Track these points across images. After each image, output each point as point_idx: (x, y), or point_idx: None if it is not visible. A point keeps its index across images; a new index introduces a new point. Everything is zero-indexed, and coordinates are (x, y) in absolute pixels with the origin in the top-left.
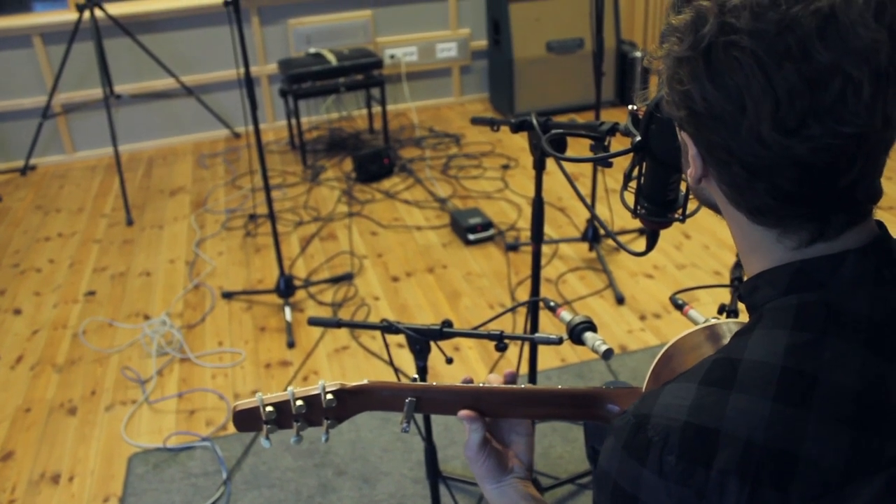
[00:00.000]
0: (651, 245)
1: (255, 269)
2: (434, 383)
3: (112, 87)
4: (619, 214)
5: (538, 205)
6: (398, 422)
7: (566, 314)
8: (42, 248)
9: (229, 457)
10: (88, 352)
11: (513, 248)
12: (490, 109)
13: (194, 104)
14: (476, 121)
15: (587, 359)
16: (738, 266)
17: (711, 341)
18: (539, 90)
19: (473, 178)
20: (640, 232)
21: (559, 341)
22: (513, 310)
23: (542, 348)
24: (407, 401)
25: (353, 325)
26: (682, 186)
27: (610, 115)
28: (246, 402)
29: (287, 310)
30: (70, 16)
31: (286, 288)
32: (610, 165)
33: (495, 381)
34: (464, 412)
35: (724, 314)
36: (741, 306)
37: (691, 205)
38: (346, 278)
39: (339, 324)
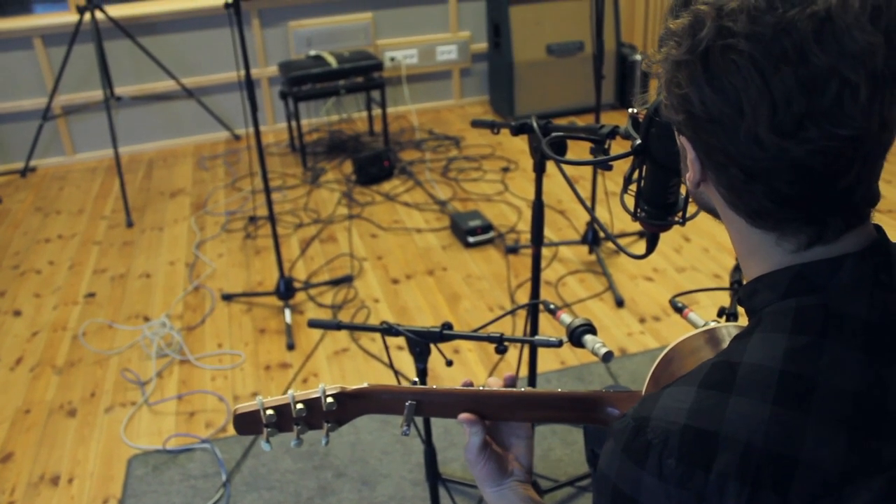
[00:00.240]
0: (651, 248)
1: (255, 271)
2: (434, 386)
3: (112, 88)
4: (618, 217)
5: (538, 207)
6: (398, 424)
7: (566, 317)
8: (42, 250)
9: (229, 459)
10: (88, 353)
11: (512, 250)
12: (490, 112)
13: (194, 106)
14: (476, 123)
15: (587, 361)
16: (737, 269)
17: (711, 345)
18: (539, 93)
19: (473, 181)
20: (640, 235)
21: (559, 344)
22: (513, 312)
23: (541, 351)
24: (407, 404)
25: (352, 328)
26: (682, 190)
27: (610, 119)
28: (246, 406)
29: (287, 312)
30: (70, 17)
31: (286, 290)
32: (610, 168)
33: (495, 384)
34: (464, 415)
35: (724, 317)
36: (740, 310)
37: (691, 208)
38: (346, 280)
39: (338, 326)
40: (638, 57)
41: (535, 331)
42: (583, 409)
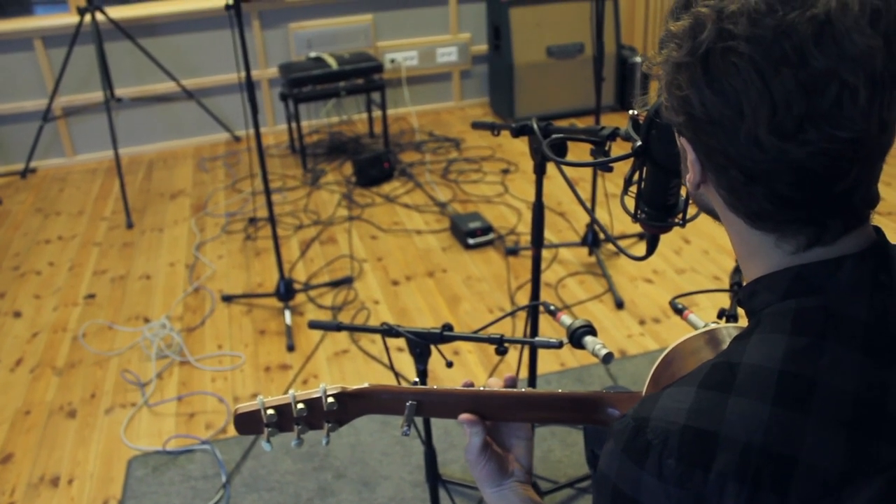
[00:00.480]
0: (651, 249)
1: (255, 272)
2: (435, 387)
3: (113, 90)
4: (618, 219)
5: (538, 209)
6: (398, 425)
7: (566, 318)
8: (42, 251)
9: (229, 460)
10: (88, 355)
11: (512, 252)
12: (490, 114)
13: (195, 108)
14: (477, 125)
15: (587, 363)
16: (737, 271)
17: (711, 346)
18: (539, 95)
19: (473, 183)
20: (640, 236)
21: (559, 345)
22: (513, 314)
23: (541, 352)
24: (408, 404)
25: (353, 329)
26: (683, 191)
27: (610, 121)
28: (247, 405)
29: (287, 313)
30: (71, 19)
31: (286, 291)
32: (610, 170)
33: (496, 385)
34: (464, 416)
35: (724, 319)
36: (740, 311)
37: (691, 209)
38: (346, 282)
39: (339, 327)
40: (638, 59)
41: (535, 332)
42: (583, 410)
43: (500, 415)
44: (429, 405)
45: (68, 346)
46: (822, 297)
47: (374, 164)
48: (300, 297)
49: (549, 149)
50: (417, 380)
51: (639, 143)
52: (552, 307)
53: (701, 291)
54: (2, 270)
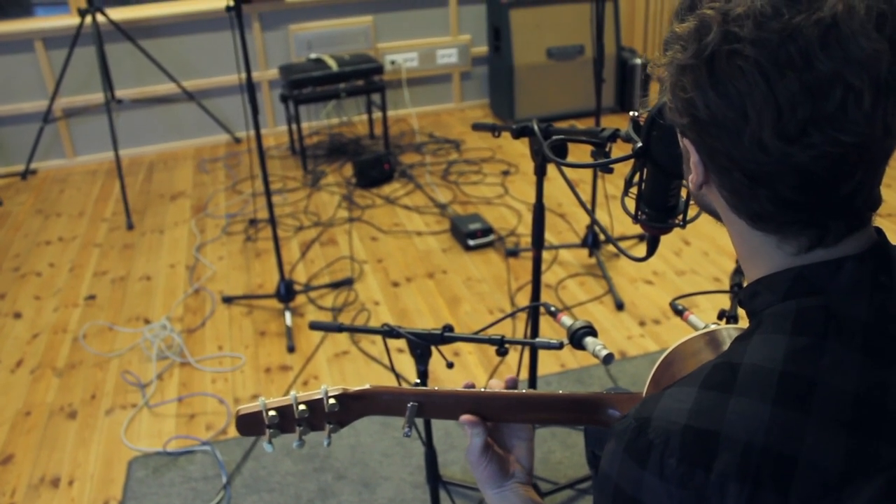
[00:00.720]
0: (651, 250)
1: (256, 273)
2: (436, 388)
3: (113, 91)
4: (619, 220)
5: (539, 210)
6: (398, 427)
7: (567, 319)
8: (42, 252)
9: (229, 461)
10: (88, 356)
11: (513, 253)
12: (490, 115)
13: (195, 109)
14: (477, 126)
15: (587, 364)
16: (737, 272)
17: (711, 347)
18: (539, 97)
19: (473, 184)
20: (641, 238)
21: (560, 346)
22: (513, 315)
23: (542, 354)
24: (409, 405)
25: (353, 330)
26: (683, 192)
27: (610, 122)
28: (249, 407)
29: (287, 314)
30: (72, 20)
31: (286, 293)
32: (611, 171)
33: (496, 386)
34: (465, 417)
35: (724, 320)
36: (741, 312)
37: (692, 210)
38: (347, 283)
39: (339, 328)
40: (638, 61)
41: (535, 333)
42: (584, 411)
43: (501, 416)
44: (430, 406)
45: (69, 347)
46: (822, 298)
47: (375, 166)
48: (300, 299)
49: (549, 150)
50: (418, 381)
51: (639, 144)
52: (553, 308)
53: (701, 293)
54: (2, 271)
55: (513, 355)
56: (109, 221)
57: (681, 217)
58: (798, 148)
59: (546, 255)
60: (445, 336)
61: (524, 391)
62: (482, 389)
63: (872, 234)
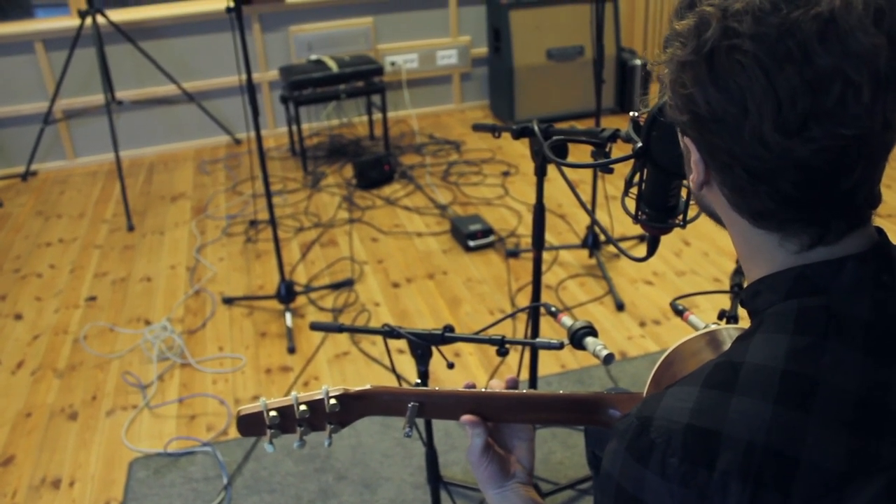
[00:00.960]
0: (652, 251)
1: (256, 274)
2: (437, 388)
3: (113, 93)
4: (619, 221)
5: (539, 211)
6: (399, 427)
7: (567, 319)
8: (43, 254)
9: (230, 462)
10: (89, 357)
11: (513, 254)
12: (490, 116)
13: (195, 110)
14: (478, 127)
15: (587, 365)
16: (737, 272)
17: (712, 347)
18: (539, 97)
19: (474, 185)
20: (641, 239)
21: (560, 346)
22: (514, 315)
23: (542, 354)
24: (410, 405)
25: (354, 330)
26: (683, 192)
27: (610, 123)
28: (250, 407)
29: (288, 315)
30: (72, 22)
31: (287, 294)
32: (611, 171)
33: (497, 386)
34: (466, 417)
35: (724, 320)
36: (741, 312)
37: (692, 210)
38: (347, 284)
39: (340, 328)
40: (638, 61)
41: (535, 333)
42: (584, 411)
43: (501, 416)
44: (431, 406)
45: (69, 348)
46: (824, 298)
47: (375, 167)
48: (301, 300)
49: (549, 150)
50: (419, 381)
51: (639, 144)
52: (553, 308)
53: (701, 293)
54: (3, 273)
55: (513, 356)
56: (110, 223)
57: (681, 217)
58: (798, 142)
59: (546, 255)
60: (446, 336)
61: (525, 391)
62: (483, 390)
63: (873, 234)
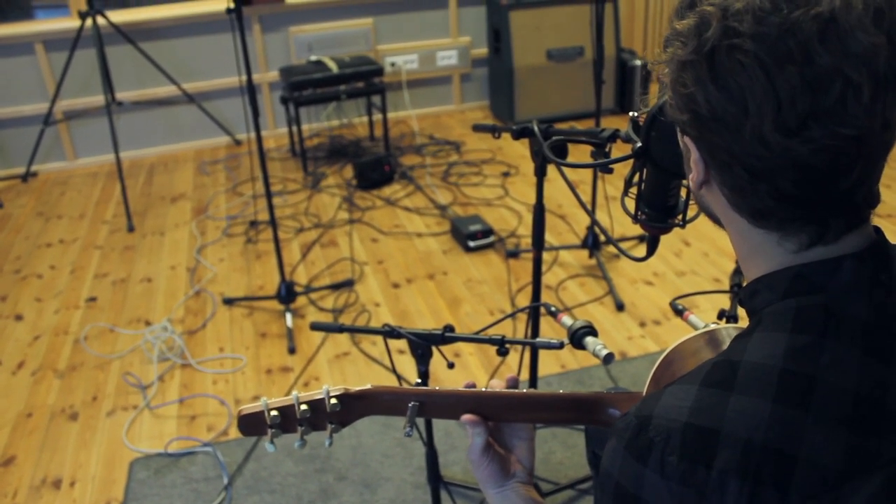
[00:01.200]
0: (651, 250)
1: (256, 275)
2: (437, 388)
3: (114, 94)
4: (619, 221)
5: (539, 211)
6: (399, 427)
7: (567, 319)
8: (43, 255)
9: (230, 462)
10: (90, 357)
11: (513, 254)
12: (490, 117)
13: (196, 111)
14: (478, 127)
15: (587, 365)
16: (737, 272)
17: (711, 346)
18: (539, 98)
19: (474, 186)
20: (640, 239)
21: (560, 346)
22: (514, 315)
23: (542, 355)
24: (410, 405)
25: (354, 330)
26: (683, 192)
27: (610, 124)
28: (251, 407)
29: (288, 316)
30: (72, 23)
31: (287, 294)
32: (611, 171)
33: (497, 386)
34: (467, 416)
35: (724, 320)
36: (741, 312)
37: (691, 210)
38: (347, 285)
39: (341, 328)
40: (638, 62)
41: (535, 333)
42: (584, 410)
43: (501, 415)
44: (431, 406)
45: (70, 348)
46: (822, 296)
47: (375, 168)
48: (301, 300)
49: (549, 150)
50: (419, 381)
51: (639, 144)
52: (553, 308)
53: (701, 293)
54: (3, 274)
55: (513, 356)
56: (110, 223)
57: (680, 217)
58: (798, 141)
59: (546, 256)
60: (446, 336)
61: (525, 391)
62: (483, 389)
63: (871, 233)
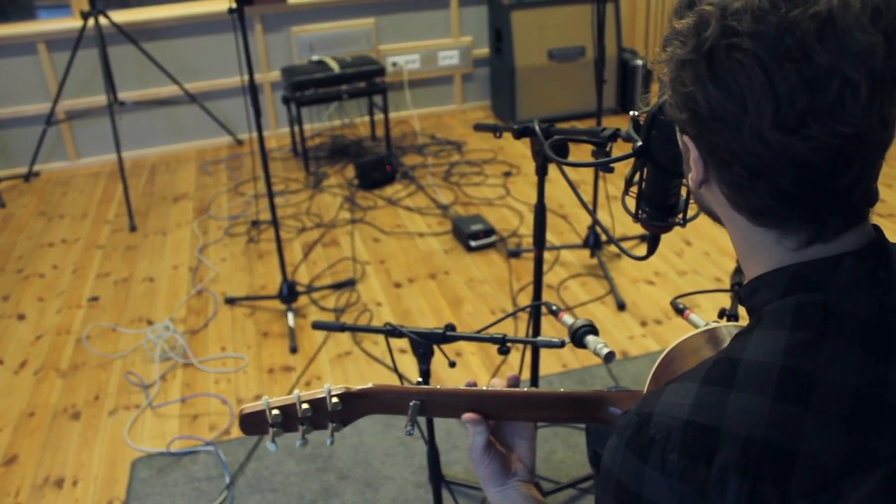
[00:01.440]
0: (652, 249)
1: (258, 275)
2: (438, 386)
3: (116, 94)
4: (619, 221)
5: (540, 210)
6: (401, 427)
7: (568, 318)
8: (45, 254)
9: (232, 461)
10: (92, 357)
11: (514, 254)
12: (492, 117)
13: (197, 111)
14: (479, 127)
15: (588, 364)
16: (738, 272)
17: (712, 344)
18: (540, 98)
19: (475, 185)
20: (641, 238)
21: (561, 344)
22: (515, 314)
23: (543, 354)
24: (411, 404)
25: (356, 329)
26: (683, 191)
27: (611, 123)
28: (252, 406)
29: (290, 315)
30: (74, 23)
31: (289, 294)
32: (611, 171)
33: (499, 384)
34: (468, 415)
35: (725, 318)
36: (742, 311)
37: (692, 209)
38: (349, 284)
39: (342, 327)
40: (639, 62)
41: (537, 332)
42: (585, 409)
43: (503, 414)
44: (432, 405)
45: (72, 348)
46: (822, 294)
47: (377, 167)
48: (303, 300)
49: (550, 150)
50: (420, 380)
51: (639, 143)
52: (554, 307)
53: (702, 291)
54: (6, 273)
55: (514, 356)
56: (112, 223)
57: (681, 216)
58: (797, 140)
59: (547, 255)
60: (448, 335)
61: (526, 389)
62: (484, 388)
63: (870, 231)
